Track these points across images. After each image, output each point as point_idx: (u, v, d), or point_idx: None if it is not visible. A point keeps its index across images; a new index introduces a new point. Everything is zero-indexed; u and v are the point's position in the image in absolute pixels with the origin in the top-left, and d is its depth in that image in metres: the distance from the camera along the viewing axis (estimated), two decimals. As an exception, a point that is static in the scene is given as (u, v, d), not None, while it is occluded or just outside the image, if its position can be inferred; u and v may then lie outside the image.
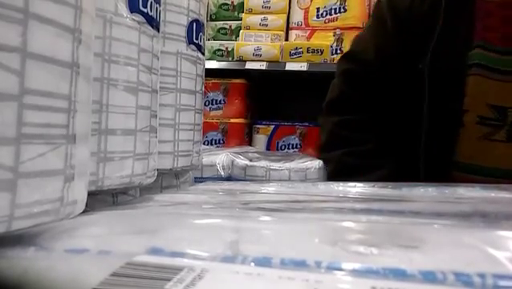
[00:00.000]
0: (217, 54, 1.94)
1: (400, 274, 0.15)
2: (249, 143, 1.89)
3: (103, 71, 0.30)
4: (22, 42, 0.17)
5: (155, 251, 0.17)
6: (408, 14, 0.70)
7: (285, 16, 1.95)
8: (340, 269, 0.16)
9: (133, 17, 0.31)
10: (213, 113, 1.90)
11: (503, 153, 0.63)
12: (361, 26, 1.75)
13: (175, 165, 0.41)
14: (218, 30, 2.04)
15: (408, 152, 0.67)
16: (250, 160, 0.55)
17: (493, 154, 0.63)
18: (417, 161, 0.66)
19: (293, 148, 1.86)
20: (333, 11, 1.85)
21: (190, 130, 0.43)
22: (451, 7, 0.65)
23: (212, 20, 2.05)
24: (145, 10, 0.32)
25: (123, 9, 0.31)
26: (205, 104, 1.81)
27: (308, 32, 1.92)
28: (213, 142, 1.86)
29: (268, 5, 1.96)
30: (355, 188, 0.41)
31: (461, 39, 0.66)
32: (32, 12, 0.18)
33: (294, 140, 1.83)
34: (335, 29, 1.84)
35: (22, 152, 0.18)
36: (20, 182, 0.17)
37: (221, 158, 0.55)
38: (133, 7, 0.31)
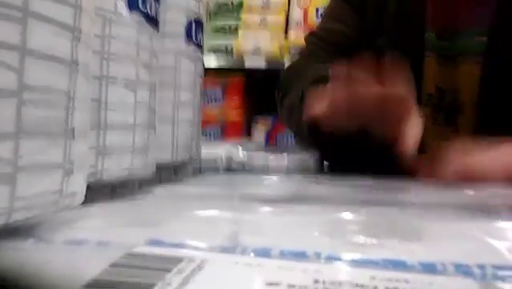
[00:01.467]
0: (216, 53, 1.93)
1: (399, 265, 0.15)
2: (248, 139, 1.89)
3: (103, 68, 0.30)
4: (21, 39, 0.18)
5: (154, 242, 0.17)
6: None
7: (284, 15, 1.94)
8: (340, 259, 0.16)
9: (133, 16, 0.31)
10: (211, 109, 1.90)
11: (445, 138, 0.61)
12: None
13: (174, 159, 0.41)
14: (218, 29, 2.03)
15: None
16: (249, 153, 0.55)
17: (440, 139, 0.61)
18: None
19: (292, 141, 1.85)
20: (332, 11, 1.84)
21: (189, 126, 0.43)
22: None
23: (211, 19, 2.04)
24: (145, 9, 0.32)
25: (123, 8, 0.31)
26: (203, 101, 1.80)
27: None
28: (212, 138, 1.86)
29: (267, 4, 1.95)
30: (356, 180, 0.41)
31: (416, 22, 0.65)
32: (31, 10, 0.18)
33: (293, 133, 1.82)
34: (334, 29, 1.83)
35: (21, 147, 0.18)
36: (19, 176, 0.18)
37: (220, 151, 0.55)
38: (133, 6, 0.31)
